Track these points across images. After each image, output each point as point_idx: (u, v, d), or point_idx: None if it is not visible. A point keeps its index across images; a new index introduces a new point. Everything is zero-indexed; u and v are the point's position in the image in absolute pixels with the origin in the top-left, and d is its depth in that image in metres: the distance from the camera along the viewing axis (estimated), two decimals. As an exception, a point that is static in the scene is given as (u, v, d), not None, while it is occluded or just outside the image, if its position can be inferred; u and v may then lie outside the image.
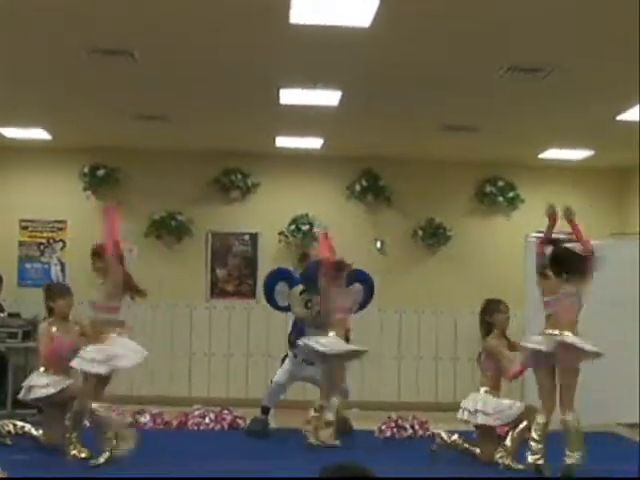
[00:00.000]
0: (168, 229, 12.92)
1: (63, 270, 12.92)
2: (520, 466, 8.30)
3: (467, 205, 13.49)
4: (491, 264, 12.96)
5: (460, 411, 8.80)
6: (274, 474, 8.02)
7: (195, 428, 10.45)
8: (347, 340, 9.98)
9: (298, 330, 10.36)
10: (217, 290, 13.03)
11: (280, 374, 10.40)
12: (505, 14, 6.67)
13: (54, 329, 8.86)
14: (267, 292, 10.54)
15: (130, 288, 8.54)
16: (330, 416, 9.59)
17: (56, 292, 9.18)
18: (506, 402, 8.77)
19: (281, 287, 10.48)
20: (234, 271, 13.06)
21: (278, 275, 10.67)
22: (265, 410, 10.37)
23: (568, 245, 8.95)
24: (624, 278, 10.42)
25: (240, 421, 10.56)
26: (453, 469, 8.45)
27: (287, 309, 10.63)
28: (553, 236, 8.84)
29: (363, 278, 10.65)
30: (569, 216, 8.61)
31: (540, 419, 8.20)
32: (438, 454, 8.73)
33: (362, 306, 10.66)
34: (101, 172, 12.92)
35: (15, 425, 8.94)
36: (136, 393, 11.89)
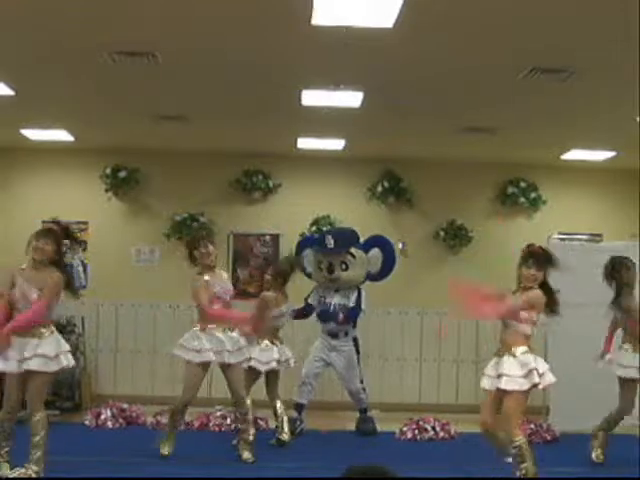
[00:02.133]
0: (190, 230, 12.94)
1: (85, 271, 12.96)
2: None
3: (489, 206, 13.46)
4: (513, 265, 12.89)
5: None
6: (295, 474, 8.04)
7: (216, 429, 10.47)
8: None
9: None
10: (238, 291, 13.02)
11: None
12: (527, 15, 6.65)
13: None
14: (296, 257, 10.84)
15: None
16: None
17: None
18: None
19: (307, 253, 10.91)
20: (255, 272, 13.06)
21: (306, 242, 11.20)
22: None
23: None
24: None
25: (261, 422, 10.56)
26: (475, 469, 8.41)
27: (310, 276, 10.96)
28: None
29: (381, 243, 10.68)
30: None
31: None
32: None
33: (382, 274, 10.67)
34: (123, 173, 12.96)
35: None
36: (157, 394, 11.93)
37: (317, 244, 10.89)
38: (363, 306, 10.67)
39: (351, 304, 10.63)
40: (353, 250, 10.66)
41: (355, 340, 10.76)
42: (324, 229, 12.90)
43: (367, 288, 10.89)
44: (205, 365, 8.62)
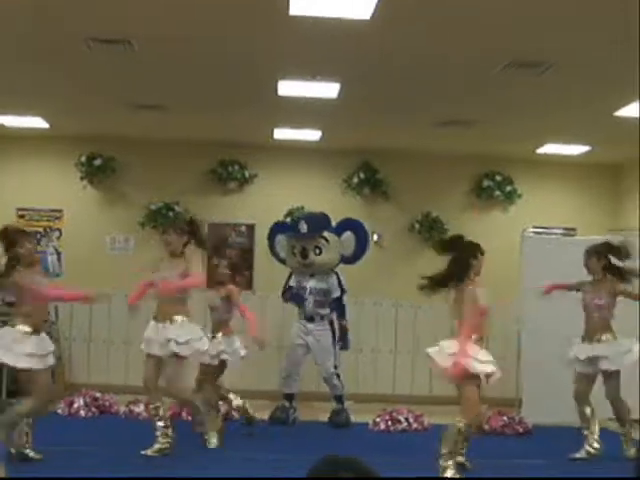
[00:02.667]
0: (165, 219, 12.90)
1: (59, 259, 12.91)
2: None
3: (464, 199, 13.50)
4: (488, 258, 12.87)
5: None
6: (266, 465, 8.03)
7: (189, 418, 10.43)
8: None
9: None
10: (214, 280, 12.98)
11: None
12: (504, 9, 6.66)
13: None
14: (269, 245, 11.10)
15: None
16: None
17: None
18: None
19: (280, 239, 10.98)
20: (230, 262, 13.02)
21: (277, 228, 11.17)
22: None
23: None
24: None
25: (234, 413, 10.53)
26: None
27: (284, 262, 11.03)
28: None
29: (353, 226, 10.71)
30: None
31: None
32: None
33: (355, 257, 10.73)
34: (98, 161, 12.91)
35: None
36: (131, 383, 11.89)
37: (290, 230, 10.92)
38: (344, 287, 10.74)
39: (334, 292, 10.64)
40: (326, 234, 10.67)
41: (332, 324, 10.74)
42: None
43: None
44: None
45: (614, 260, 8.88)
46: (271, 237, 11.09)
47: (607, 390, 8.95)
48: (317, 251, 10.63)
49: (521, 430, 10.38)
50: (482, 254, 8.35)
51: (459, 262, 8.15)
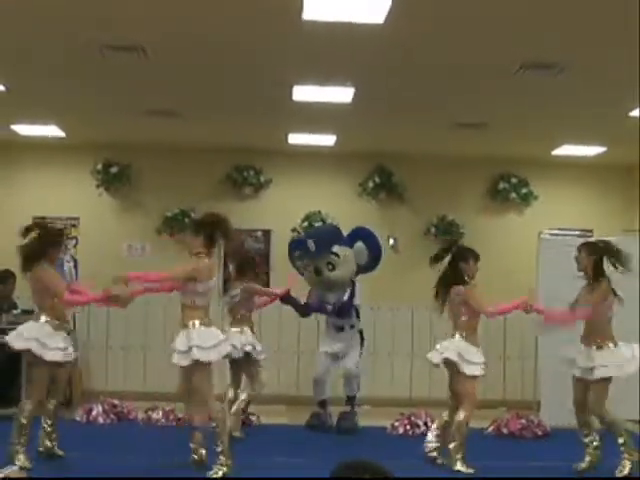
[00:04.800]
0: (181, 226, 12.92)
1: (76, 267, 12.94)
2: None
3: (480, 202, 13.47)
4: (504, 261, 12.93)
5: None
6: (282, 471, 8.02)
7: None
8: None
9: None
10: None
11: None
12: (519, 11, 6.65)
13: None
14: (291, 262, 11.00)
15: None
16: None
17: None
18: None
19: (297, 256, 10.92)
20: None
21: (294, 246, 11.12)
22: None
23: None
24: (632, 273, 10.36)
25: (253, 418, 10.57)
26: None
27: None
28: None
29: (363, 235, 10.65)
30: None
31: None
32: None
33: (370, 266, 10.69)
34: (114, 169, 12.94)
35: None
36: (149, 390, 11.91)
37: (300, 248, 10.82)
38: (358, 300, 10.63)
39: (345, 298, 10.58)
40: (336, 249, 10.53)
41: (361, 333, 10.73)
42: (315, 224, 12.90)
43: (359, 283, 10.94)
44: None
45: (607, 261, 8.60)
46: (291, 254, 11.01)
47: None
48: (330, 267, 10.52)
49: (539, 433, 10.36)
50: (475, 259, 8.48)
51: (451, 267, 8.68)
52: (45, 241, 8.18)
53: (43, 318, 8.08)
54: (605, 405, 8.41)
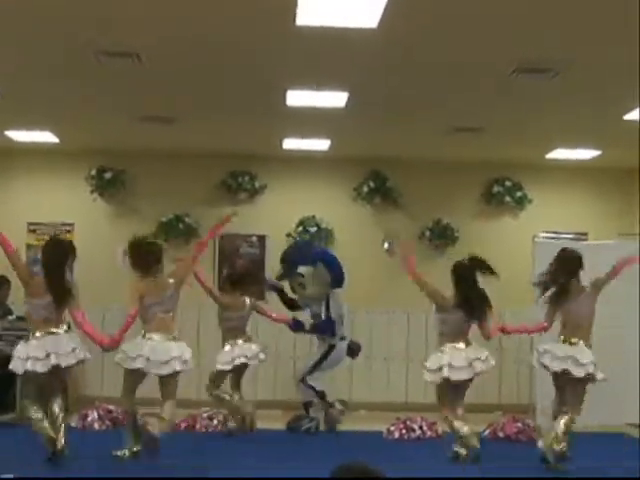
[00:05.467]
0: (176, 231, 12.93)
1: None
2: None
3: (475, 206, 13.48)
4: (499, 265, 12.85)
5: None
6: (284, 475, 8.02)
7: (204, 430, 10.45)
8: None
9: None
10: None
11: None
12: (512, 15, 6.66)
13: None
14: None
15: None
16: None
17: None
18: None
19: None
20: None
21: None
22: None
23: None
24: (633, 278, 10.38)
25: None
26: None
27: None
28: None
29: (319, 256, 10.79)
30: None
31: None
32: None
33: (336, 283, 10.72)
34: (108, 175, 12.94)
35: None
36: (143, 395, 11.87)
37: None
38: (333, 315, 10.66)
39: (322, 316, 10.67)
40: (301, 269, 10.64)
41: (330, 346, 10.74)
42: (310, 229, 12.93)
43: (353, 287, 10.94)
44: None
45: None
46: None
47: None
48: (301, 287, 10.71)
49: (535, 436, 10.34)
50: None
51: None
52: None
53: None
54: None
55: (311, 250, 11.00)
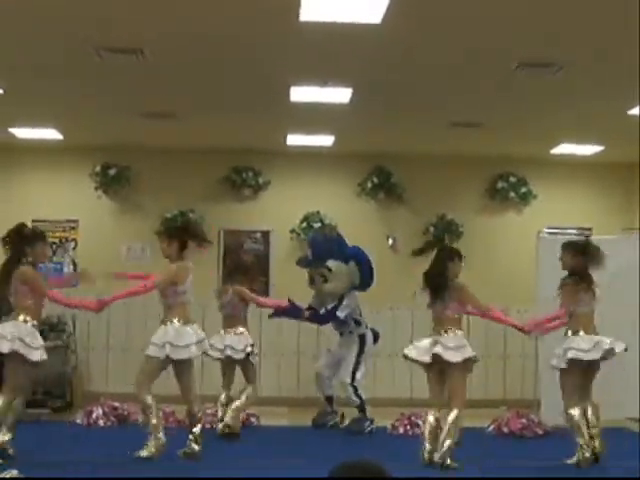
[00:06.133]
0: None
1: (75, 269, 12.93)
2: None
3: (479, 201, 13.47)
4: (503, 260, 12.95)
5: None
6: (282, 471, 8.02)
7: (208, 426, 10.44)
8: None
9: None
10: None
11: None
12: (515, 10, 6.65)
13: None
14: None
15: None
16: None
17: None
18: None
19: None
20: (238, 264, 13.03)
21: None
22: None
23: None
24: (636, 273, 10.38)
25: (253, 419, 10.57)
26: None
27: None
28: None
29: (355, 255, 10.66)
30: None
31: None
32: None
33: (361, 286, 10.67)
34: (112, 171, 12.93)
35: None
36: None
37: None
38: (340, 313, 10.55)
39: (329, 307, 10.59)
40: (330, 263, 10.51)
41: (361, 337, 10.72)
42: (314, 225, 12.91)
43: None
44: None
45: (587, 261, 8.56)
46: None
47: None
48: (322, 279, 10.56)
49: (540, 432, 10.34)
50: (460, 258, 8.68)
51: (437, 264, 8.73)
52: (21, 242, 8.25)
53: (21, 317, 8.06)
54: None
55: (346, 246, 10.73)
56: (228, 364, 10.01)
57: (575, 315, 8.53)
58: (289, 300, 10.52)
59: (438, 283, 8.51)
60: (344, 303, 10.55)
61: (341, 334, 10.75)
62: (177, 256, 8.55)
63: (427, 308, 8.63)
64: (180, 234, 8.63)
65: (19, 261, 8.12)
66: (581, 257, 8.57)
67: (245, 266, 10.89)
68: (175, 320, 8.39)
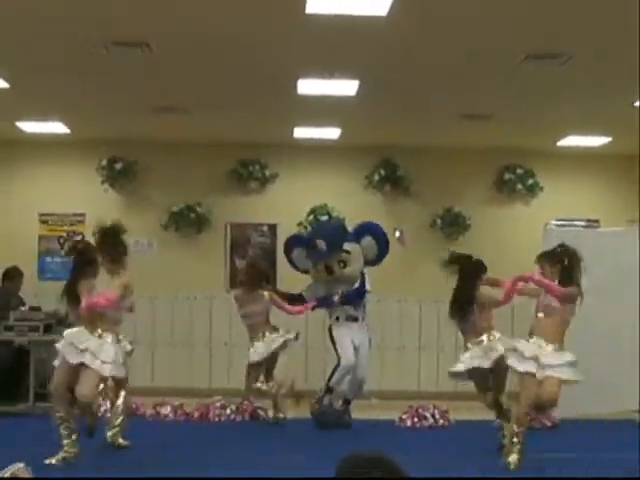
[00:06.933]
0: (187, 221, 12.94)
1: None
2: None
3: (486, 193, 13.46)
4: (510, 252, 12.91)
5: None
6: (289, 465, 8.01)
7: (216, 419, 10.47)
8: None
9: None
10: (236, 281, 13.00)
11: None
12: (523, 1, 6.64)
13: None
14: (287, 259, 10.87)
15: None
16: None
17: None
18: None
19: (298, 253, 10.68)
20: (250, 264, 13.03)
21: (293, 243, 10.86)
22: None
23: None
24: (635, 271, 10.35)
25: (261, 412, 10.58)
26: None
27: (306, 272, 10.83)
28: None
29: (371, 229, 10.58)
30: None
31: None
32: None
33: (377, 260, 10.60)
34: (119, 165, 12.94)
35: None
36: (156, 384, 11.92)
37: (308, 247, 10.58)
38: (368, 286, 10.56)
39: (356, 286, 10.50)
40: (347, 246, 10.41)
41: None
42: (321, 218, 12.90)
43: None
44: None
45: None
46: (288, 251, 10.82)
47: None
48: (342, 264, 10.41)
49: (549, 424, 10.33)
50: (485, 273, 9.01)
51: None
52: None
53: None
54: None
55: (355, 226, 10.65)
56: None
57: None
58: (317, 299, 10.54)
59: (468, 303, 8.77)
60: (367, 278, 10.57)
61: (355, 320, 10.43)
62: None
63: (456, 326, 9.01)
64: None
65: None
66: (559, 266, 8.37)
67: (267, 273, 10.90)
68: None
